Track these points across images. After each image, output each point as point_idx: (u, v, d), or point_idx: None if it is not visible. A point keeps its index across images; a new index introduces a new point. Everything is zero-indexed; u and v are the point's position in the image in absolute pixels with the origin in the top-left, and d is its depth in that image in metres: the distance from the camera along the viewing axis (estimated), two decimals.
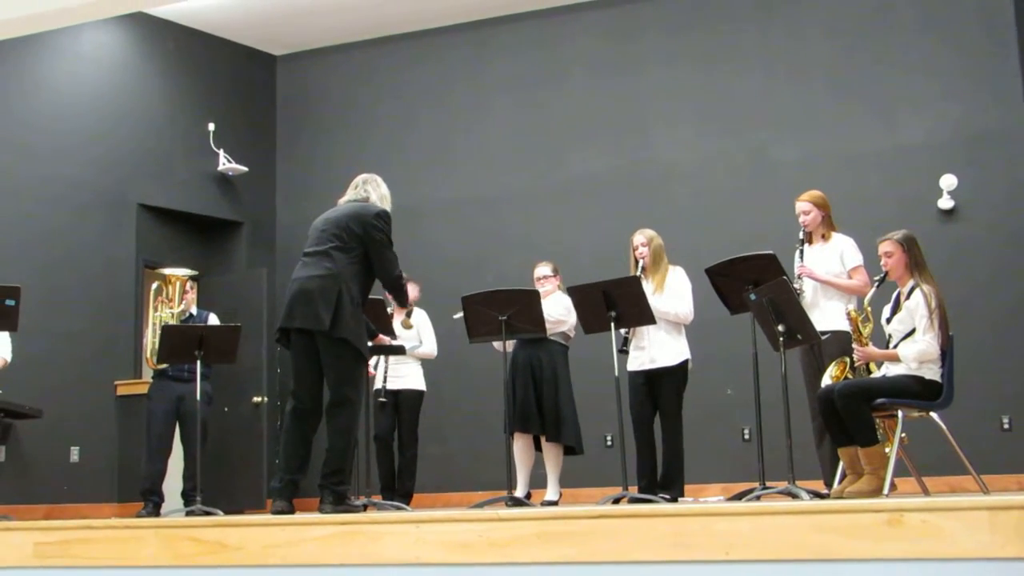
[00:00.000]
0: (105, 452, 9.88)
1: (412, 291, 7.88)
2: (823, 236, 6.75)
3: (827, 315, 6.49)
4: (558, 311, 7.65)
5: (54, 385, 9.34)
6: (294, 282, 5.98)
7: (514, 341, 7.54)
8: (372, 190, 6.24)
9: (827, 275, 6.58)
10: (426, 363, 8.39)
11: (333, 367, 5.88)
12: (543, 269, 7.98)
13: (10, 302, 7.08)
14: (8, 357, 7.99)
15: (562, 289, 7.90)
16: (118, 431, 9.96)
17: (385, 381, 8.07)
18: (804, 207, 6.76)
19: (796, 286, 6.47)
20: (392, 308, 7.98)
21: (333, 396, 5.87)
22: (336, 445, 5.83)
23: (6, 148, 9.69)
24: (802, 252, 6.72)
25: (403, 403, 8.24)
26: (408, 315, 8.12)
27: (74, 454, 9.75)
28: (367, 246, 6.00)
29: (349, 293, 5.89)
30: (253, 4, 10.71)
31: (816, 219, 6.73)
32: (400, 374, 8.20)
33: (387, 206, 6.22)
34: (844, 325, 6.38)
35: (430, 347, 8.31)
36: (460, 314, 7.62)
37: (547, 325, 7.20)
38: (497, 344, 7.78)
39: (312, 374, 5.95)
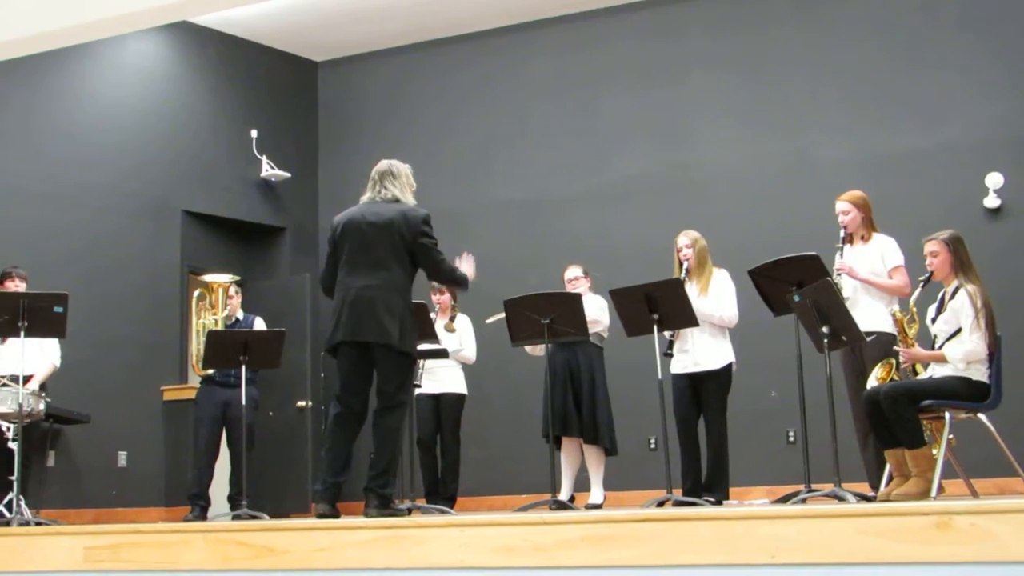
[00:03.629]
0: (152, 457, 9.97)
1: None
2: (863, 237, 6.70)
3: (867, 315, 6.41)
4: (592, 312, 7.65)
5: (102, 391, 9.44)
6: (349, 290, 5.91)
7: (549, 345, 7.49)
8: (392, 185, 6.10)
9: (868, 274, 6.53)
10: (468, 367, 8.39)
11: (392, 376, 5.87)
12: (574, 271, 8.00)
13: (58, 309, 7.14)
14: (57, 363, 8.09)
15: (593, 290, 7.92)
16: (164, 436, 10.06)
17: (419, 379, 7.96)
18: (843, 207, 6.71)
19: (836, 282, 6.41)
20: (436, 312, 8.00)
21: (387, 400, 5.87)
22: (385, 446, 5.83)
23: (52, 158, 9.81)
24: (842, 252, 6.67)
25: (445, 407, 8.24)
26: (452, 319, 8.13)
27: (121, 459, 9.85)
28: (414, 252, 5.97)
29: (407, 304, 5.91)
30: (294, 11, 10.78)
31: (856, 219, 6.68)
32: (442, 378, 8.21)
33: (412, 195, 6.16)
34: (885, 326, 6.34)
35: (470, 351, 8.31)
36: (493, 318, 7.65)
37: None
38: (529, 348, 7.80)
39: (363, 380, 5.94)
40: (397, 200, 6.07)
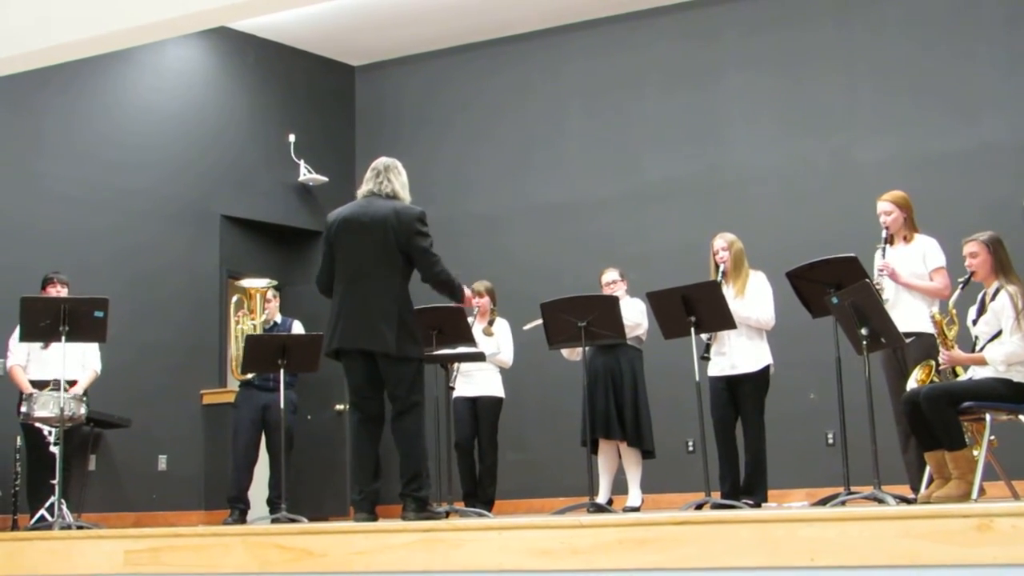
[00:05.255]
0: (192, 460, 10.03)
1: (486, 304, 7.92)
2: (904, 237, 6.65)
3: (908, 316, 6.36)
4: (633, 315, 7.65)
5: (142, 395, 9.51)
6: (346, 294, 5.90)
7: (588, 348, 7.47)
8: (395, 179, 6.03)
9: (909, 276, 6.48)
10: (505, 370, 8.40)
11: (399, 381, 5.83)
12: (611, 274, 7.98)
13: (99, 314, 7.21)
14: (98, 368, 8.16)
15: (629, 293, 7.90)
16: (204, 440, 10.11)
17: (455, 381, 7.96)
18: (885, 207, 6.66)
19: (876, 283, 6.36)
20: (474, 316, 8.00)
21: (400, 404, 5.84)
22: (410, 450, 5.80)
23: (93, 163, 9.90)
24: (883, 252, 6.62)
25: (482, 410, 8.24)
26: (490, 323, 8.15)
27: (162, 463, 9.92)
28: (410, 250, 5.88)
29: (405, 306, 5.86)
30: (331, 16, 10.82)
31: (898, 220, 6.63)
32: (479, 381, 8.22)
33: (408, 193, 6.08)
34: (927, 327, 6.27)
35: (507, 355, 8.30)
36: (530, 325, 7.65)
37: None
38: (566, 353, 7.79)
39: (372, 384, 5.90)
40: (396, 196, 6.00)
